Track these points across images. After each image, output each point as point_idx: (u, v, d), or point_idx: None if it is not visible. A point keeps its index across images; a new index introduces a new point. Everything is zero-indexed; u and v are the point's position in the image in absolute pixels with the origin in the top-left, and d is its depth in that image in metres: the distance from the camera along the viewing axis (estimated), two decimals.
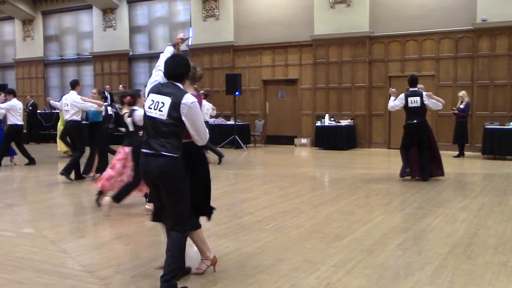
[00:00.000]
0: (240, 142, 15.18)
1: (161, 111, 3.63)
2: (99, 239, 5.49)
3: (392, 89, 9.56)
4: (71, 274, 4.26)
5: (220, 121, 16.29)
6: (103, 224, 6.15)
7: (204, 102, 11.54)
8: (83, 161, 9.60)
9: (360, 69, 15.20)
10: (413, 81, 9.19)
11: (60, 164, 12.40)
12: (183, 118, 3.63)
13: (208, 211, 4.23)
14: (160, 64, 3.99)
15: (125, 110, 6.55)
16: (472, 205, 6.94)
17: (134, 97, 6.39)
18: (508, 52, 13.41)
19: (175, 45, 4.23)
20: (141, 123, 5.18)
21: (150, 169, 3.66)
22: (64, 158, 13.24)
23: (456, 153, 12.82)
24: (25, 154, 11.79)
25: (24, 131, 17.73)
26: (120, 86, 18.53)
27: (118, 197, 6.25)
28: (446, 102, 12.99)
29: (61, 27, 21.27)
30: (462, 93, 12.86)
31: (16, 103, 11.41)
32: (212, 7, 17.26)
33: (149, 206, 6.22)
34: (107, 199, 6.24)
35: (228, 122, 16.10)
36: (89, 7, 19.98)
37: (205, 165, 4.16)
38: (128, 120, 6.41)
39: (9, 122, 11.35)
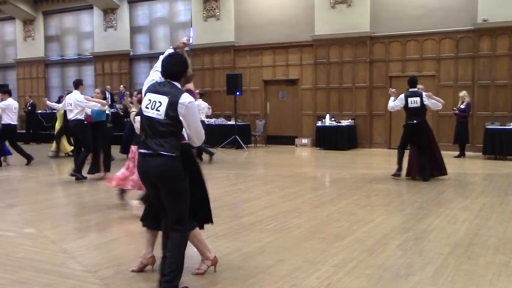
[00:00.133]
0: (241, 142, 15.18)
1: (158, 110, 3.58)
2: (100, 239, 5.49)
3: (392, 89, 9.59)
4: (72, 274, 4.26)
5: (221, 121, 16.29)
6: (104, 224, 6.15)
7: (200, 101, 11.63)
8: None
9: (361, 69, 15.20)
10: (412, 82, 9.24)
11: (58, 164, 12.41)
12: (181, 118, 3.58)
13: (206, 218, 4.17)
14: (158, 65, 3.93)
15: (134, 109, 6.52)
16: (473, 205, 6.94)
17: None
18: (509, 52, 13.41)
19: (176, 49, 4.17)
20: None
21: (149, 169, 3.60)
22: (64, 158, 13.27)
23: (457, 153, 12.81)
24: (22, 153, 11.79)
25: (24, 131, 17.81)
26: (121, 86, 18.55)
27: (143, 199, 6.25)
28: (447, 102, 13.04)
29: (62, 27, 21.28)
30: (463, 93, 12.85)
31: (11, 103, 11.39)
32: (212, 7, 17.26)
33: (135, 202, 6.25)
34: (135, 202, 6.25)
35: (229, 122, 16.09)
36: (90, 7, 19.99)
37: (198, 168, 4.10)
38: (138, 119, 6.34)
39: (3, 122, 11.34)
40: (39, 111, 18.56)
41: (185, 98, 3.59)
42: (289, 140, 16.35)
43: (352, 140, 15.14)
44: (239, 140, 15.17)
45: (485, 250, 4.83)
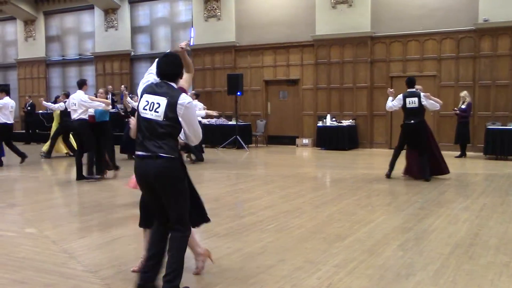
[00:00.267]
0: (242, 142, 15.19)
1: (157, 112, 3.53)
2: (100, 239, 5.49)
3: (390, 89, 9.63)
4: (73, 274, 4.26)
5: (222, 121, 16.30)
6: (105, 224, 6.15)
7: (196, 101, 11.66)
8: (83, 161, 9.59)
9: (361, 69, 15.20)
10: (410, 82, 9.29)
11: (59, 164, 12.42)
12: (180, 119, 3.55)
13: (199, 217, 4.11)
14: (153, 68, 3.89)
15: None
16: (474, 205, 6.93)
17: None
18: (510, 52, 13.39)
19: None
20: None
21: (148, 172, 3.54)
22: (63, 158, 13.27)
23: (458, 153, 12.80)
24: (16, 152, 11.77)
25: (23, 131, 17.80)
26: (122, 86, 18.52)
27: None
28: (448, 103, 13.06)
29: (63, 28, 21.30)
30: (463, 93, 12.84)
31: (8, 102, 11.38)
32: (213, 7, 17.27)
33: None
34: None
35: (230, 122, 16.10)
36: (91, 7, 20.00)
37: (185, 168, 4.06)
38: None
39: None
40: (40, 111, 18.55)
41: (184, 98, 3.56)
42: (290, 140, 16.35)
43: (353, 140, 15.13)
44: (240, 140, 15.17)
45: (486, 250, 4.83)
